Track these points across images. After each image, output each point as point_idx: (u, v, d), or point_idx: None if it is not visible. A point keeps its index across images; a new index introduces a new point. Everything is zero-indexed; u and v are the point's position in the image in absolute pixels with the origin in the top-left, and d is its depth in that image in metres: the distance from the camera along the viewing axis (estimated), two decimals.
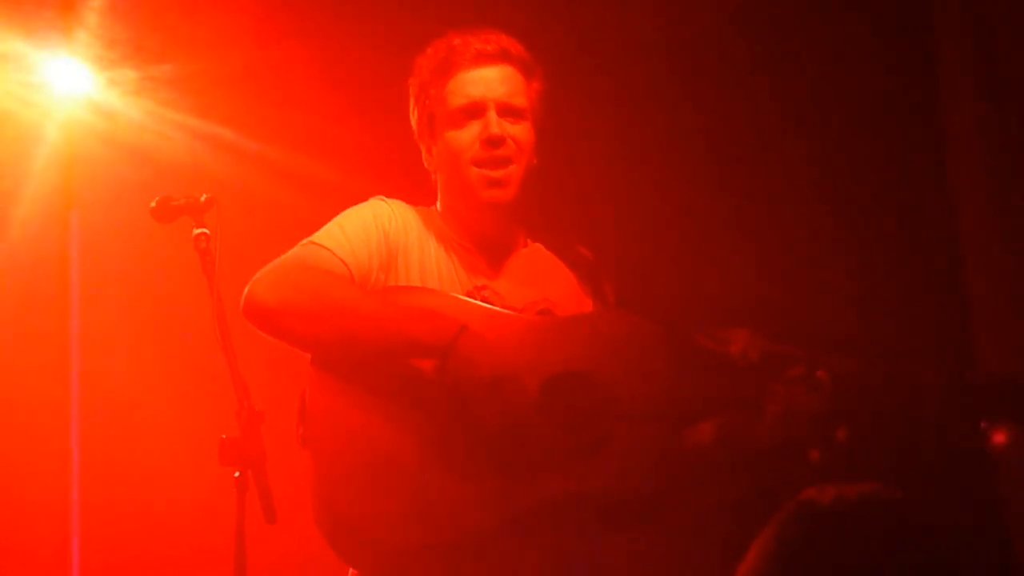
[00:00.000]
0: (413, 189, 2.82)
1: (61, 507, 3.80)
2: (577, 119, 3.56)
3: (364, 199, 2.73)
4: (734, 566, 1.66)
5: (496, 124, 2.66)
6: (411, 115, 2.79)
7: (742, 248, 3.71)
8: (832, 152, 3.71)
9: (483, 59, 2.69)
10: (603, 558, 2.54)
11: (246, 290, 2.51)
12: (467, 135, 2.67)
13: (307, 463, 2.47)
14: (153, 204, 2.58)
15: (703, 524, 3.00)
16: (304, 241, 2.61)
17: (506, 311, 2.64)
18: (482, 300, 2.66)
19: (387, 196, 2.74)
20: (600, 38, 3.83)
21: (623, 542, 2.56)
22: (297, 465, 2.48)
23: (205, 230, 2.50)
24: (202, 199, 2.54)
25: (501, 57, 2.70)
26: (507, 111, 2.68)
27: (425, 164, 2.80)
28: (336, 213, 2.68)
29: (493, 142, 2.65)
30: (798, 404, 2.49)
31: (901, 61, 3.65)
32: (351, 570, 2.58)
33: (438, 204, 2.79)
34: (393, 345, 2.51)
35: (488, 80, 2.68)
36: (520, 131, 2.69)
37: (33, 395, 3.82)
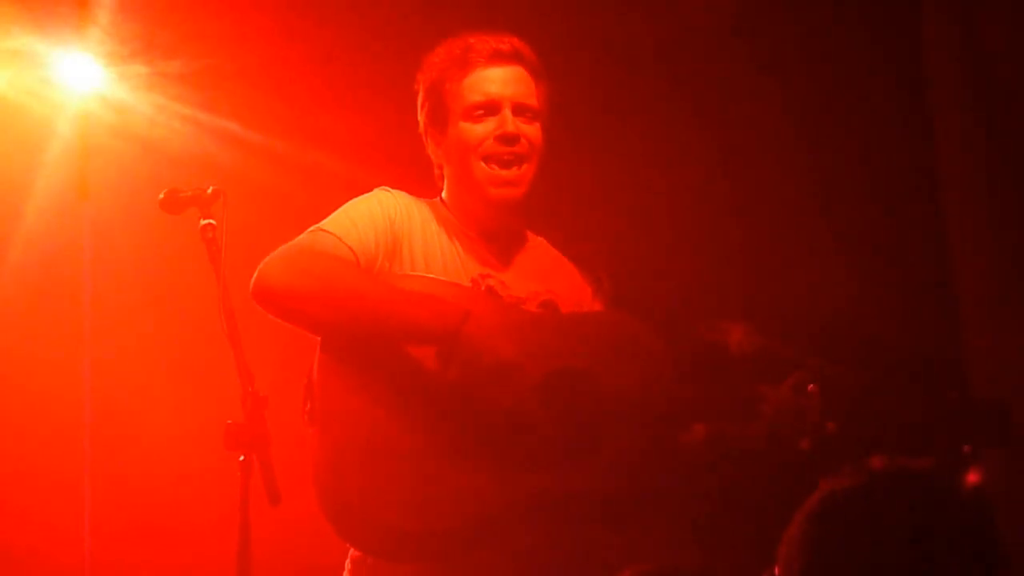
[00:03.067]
0: (415, 181, 2.85)
1: (73, 489, 3.85)
2: (575, 117, 3.58)
3: (368, 191, 2.76)
4: (729, 552, 1.68)
5: (512, 122, 2.71)
6: (420, 108, 2.82)
7: (737, 247, 3.75)
8: (826, 152, 3.74)
9: (499, 58, 2.74)
10: (596, 547, 2.59)
11: (256, 273, 2.54)
12: (481, 129, 2.71)
13: (310, 445, 2.49)
14: (161, 196, 2.63)
15: (693, 515, 3.04)
16: (312, 228, 2.64)
17: (509, 303, 2.68)
18: (487, 289, 2.69)
19: (391, 187, 2.77)
20: (596, 39, 3.87)
21: (614, 534, 2.60)
22: (300, 448, 2.51)
23: (212, 221, 2.55)
24: (209, 191, 2.59)
25: (515, 58, 2.75)
26: (521, 110, 2.73)
27: (431, 156, 2.83)
28: (339, 205, 2.72)
29: (508, 139, 2.70)
30: (789, 412, 2.56)
31: (891, 61, 3.68)
32: (351, 550, 2.62)
33: (443, 195, 2.82)
34: (399, 330, 2.54)
35: (504, 79, 2.73)
36: (533, 131, 2.74)
37: (46, 381, 3.88)
